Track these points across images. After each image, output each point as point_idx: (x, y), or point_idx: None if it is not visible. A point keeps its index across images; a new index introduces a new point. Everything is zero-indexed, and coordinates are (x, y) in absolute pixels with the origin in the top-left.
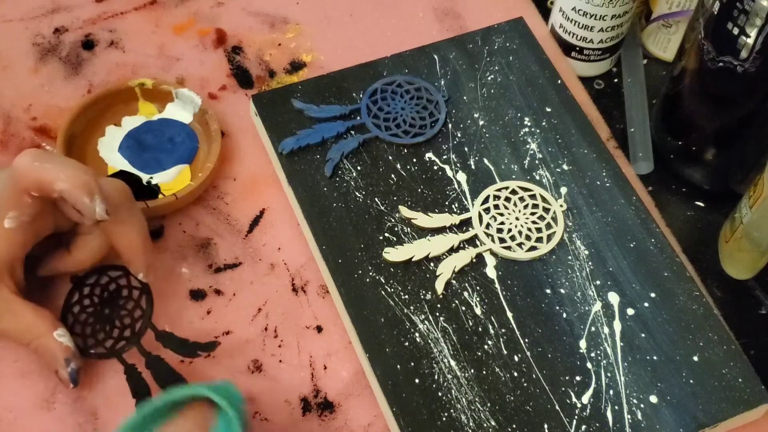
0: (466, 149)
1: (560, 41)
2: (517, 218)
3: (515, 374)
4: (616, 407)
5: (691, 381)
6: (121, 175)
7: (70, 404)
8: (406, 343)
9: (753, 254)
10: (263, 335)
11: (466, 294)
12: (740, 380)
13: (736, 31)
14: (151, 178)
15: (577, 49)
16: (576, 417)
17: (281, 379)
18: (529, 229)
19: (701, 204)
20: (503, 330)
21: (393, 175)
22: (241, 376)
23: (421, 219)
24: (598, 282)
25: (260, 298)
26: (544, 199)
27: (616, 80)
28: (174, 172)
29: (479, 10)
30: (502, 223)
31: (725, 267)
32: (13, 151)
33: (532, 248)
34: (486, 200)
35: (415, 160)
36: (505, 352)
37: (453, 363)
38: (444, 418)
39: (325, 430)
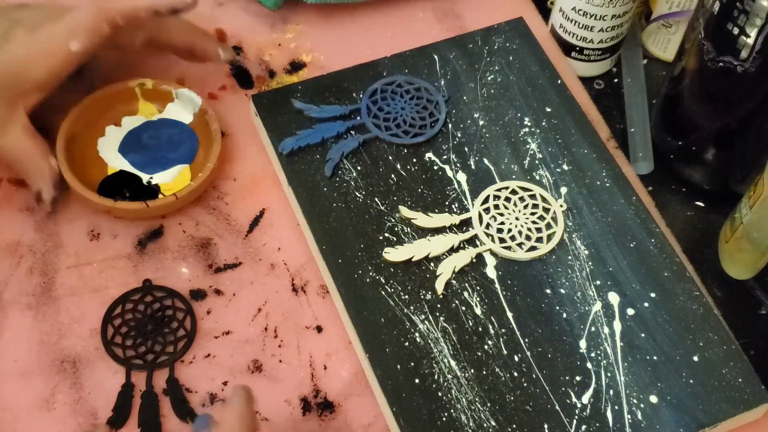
0: (466, 149)
1: (560, 41)
2: (517, 218)
3: (515, 374)
4: (616, 407)
5: (691, 381)
6: (122, 174)
7: (70, 404)
8: (406, 343)
9: (753, 254)
10: (263, 335)
11: (466, 294)
12: (740, 380)
13: (736, 31)
14: (152, 178)
15: (577, 49)
16: (576, 417)
17: (281, 379)
18: (529, 229)
19: (701, 204)
20: (503, 330)
21: (393, 175)
22: (241, 376)
23: (421, 219)
24: (598, 282)
25: (260, 298)
26: (544, 199)
27: (616, 80)
28: (174, 172)
29: (479, 10)
30: (502, 223)
31: (725, 267)
32: None
33: (532, 248)
34: (486, 200)
35: (415, 160)
36: (505, 352)
37: (453, 363)
38: (444, 418)
39: (325, 430)
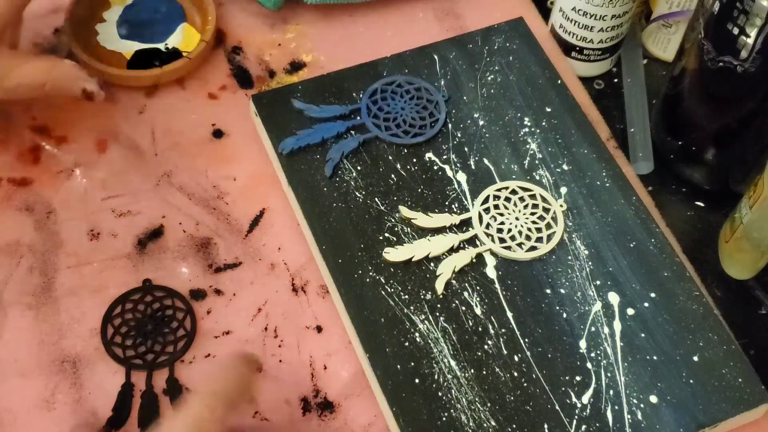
0: (466, 149)
1: (560, 41)
2: (517, 218)
3: (515, 374)
4: (616, 407)
5: (691, 381)
6: (141, 53)
7: (70, 404)
8: (406, 343)
9: (753, 254)
10: (263, 335)
11: (466, 294)
12: (740, 380)
13: (736, 31)
14: (167, 44)
15: (577, 49)
16: (576, 417)
17: (281, 379)
18: (529, 229)
19: (701, 204)
20: (503, 330)
21: (393, 175)
22: None
23: (421, 219)
24: (598, 282)
25: (260, 298)
26: (544, 199)
27: (616, 80)
28: (179, 33)
29: (479, 10)
30: (502, 223)
31: (725, 267)
32: (13, 151)
33: (532, 248)
34: (486, 200)
35: (415, 160)
36: (505, 352)
37: (453, 363)
38: (444, 418)
39: (325, 430)
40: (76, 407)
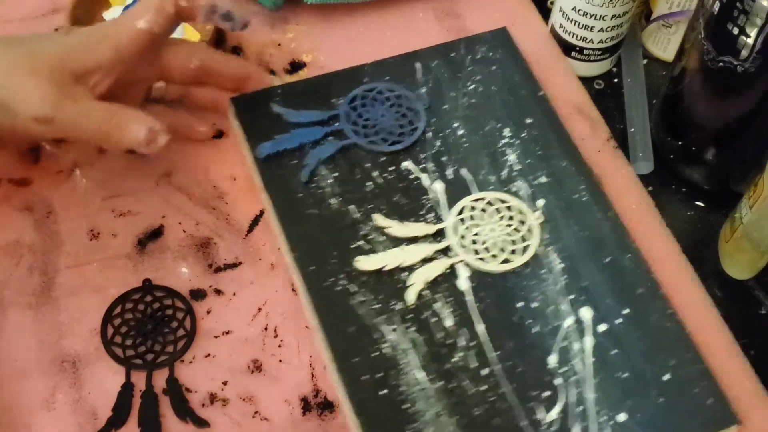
0: (444, 158)
1: (560, 41)
2: (492, 230)
3: (484, 388)
4: (585, 424)
5: (662, 400)
6: None
7: (70, 404)
8: (375, 353)
9: (753, 254)
10: (263, 335)
11: (437, 305)
12: (711, 400)
13: (736, 31)
14: None
15: (577, 49)
16: None
17: (281, 379)
18: (504, 241)
19: (701, 204)
20: (473, 343)
21: (369, 183)
22: (241, 376)
23: (396, 228)
24: (571, 296)
25: (260, 298)
26: (520, 212)
27: (616, 80)
28: (179, 33)
29: (479, 10)
30: (477, 234)
31: (725, 267)
32: (13, 151)
33: (506, 261)
34: (462, 211)
35: (392, 168)
36: (475, 365)
37: (422, 375)
38: (410, 431)
39: (325, 430)
40: (76, 407)
